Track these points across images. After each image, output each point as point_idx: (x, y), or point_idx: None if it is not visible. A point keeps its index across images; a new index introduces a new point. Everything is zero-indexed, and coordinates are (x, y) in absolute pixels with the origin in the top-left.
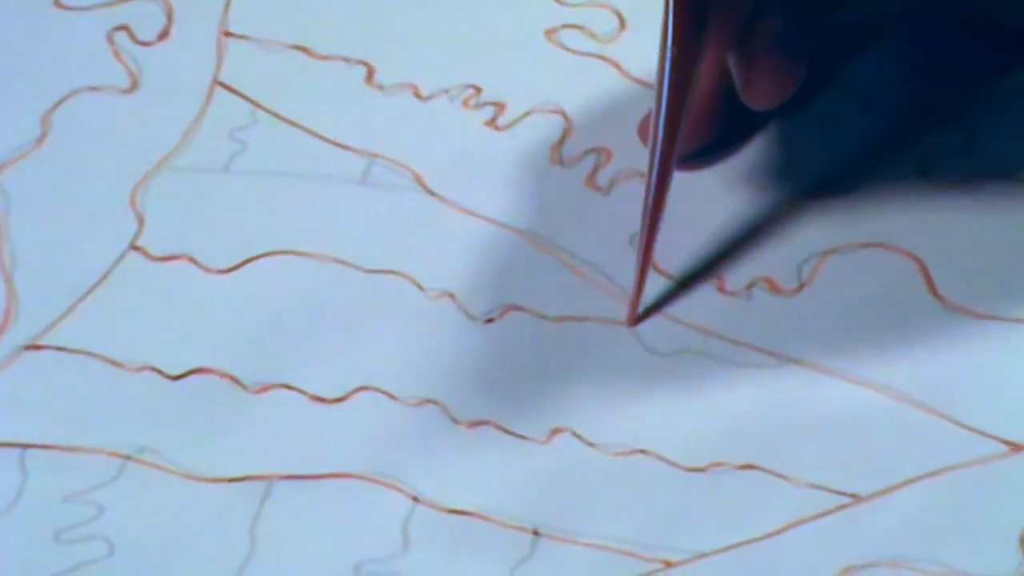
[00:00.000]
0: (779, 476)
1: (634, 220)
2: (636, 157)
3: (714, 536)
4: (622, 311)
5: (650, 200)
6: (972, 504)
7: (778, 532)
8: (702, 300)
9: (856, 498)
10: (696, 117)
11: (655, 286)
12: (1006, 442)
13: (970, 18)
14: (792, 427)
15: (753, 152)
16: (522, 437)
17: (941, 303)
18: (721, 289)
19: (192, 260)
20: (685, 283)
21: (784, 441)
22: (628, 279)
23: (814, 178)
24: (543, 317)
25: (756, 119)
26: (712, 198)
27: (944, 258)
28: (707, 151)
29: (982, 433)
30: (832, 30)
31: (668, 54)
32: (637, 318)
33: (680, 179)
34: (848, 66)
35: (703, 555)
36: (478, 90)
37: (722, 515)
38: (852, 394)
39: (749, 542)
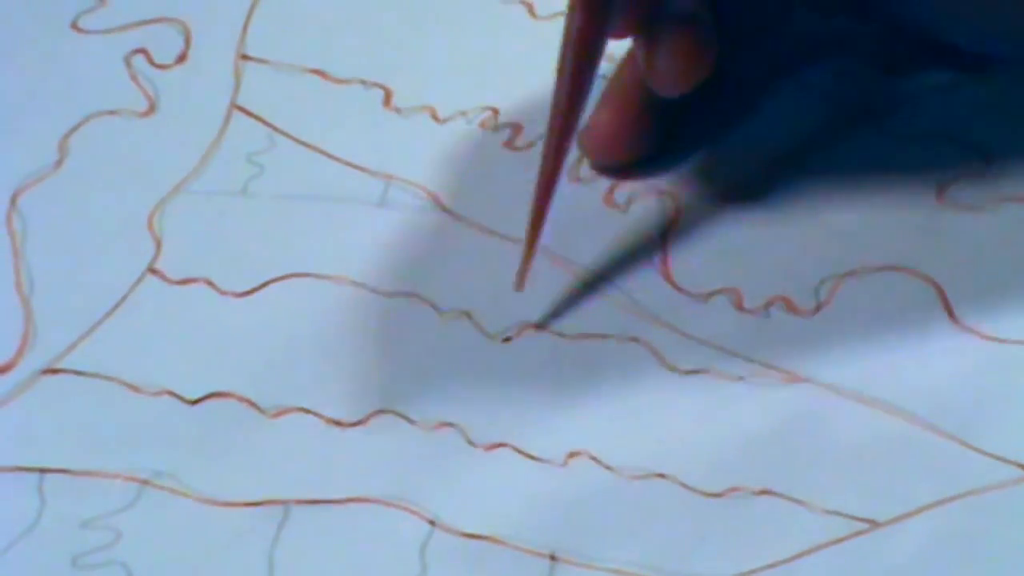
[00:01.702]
0: (796, 502)
1: (652, 237)
2: (654, 175)
3: (731, 562)
4: (641, 329)
5: (542, 188)
6: (989, 530)
7: (795, 558)
8: (719, 317)
9: (873, 524)
10: (625, 126)
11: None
12: (1023, 466)
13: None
14: (808, 451)
15: (768, 172)
16: (539, 460)
17: (958, 327)
18: (738, 307)
19: (209, 283)
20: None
21: (801, 465)
22: (647, 297)
23: (828, 200)
24: (561, 336)
25: (703, 132)
26: (728, 216)
27: (962, 282)
28: (646, 164)
29: (999, 458)
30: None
31: (572, 35)
32: (522, 283)
33: (698, 196)
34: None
35: None
36: (495, 112)
37: (739, 541)
38: (869, 418)
39: (766, 568)
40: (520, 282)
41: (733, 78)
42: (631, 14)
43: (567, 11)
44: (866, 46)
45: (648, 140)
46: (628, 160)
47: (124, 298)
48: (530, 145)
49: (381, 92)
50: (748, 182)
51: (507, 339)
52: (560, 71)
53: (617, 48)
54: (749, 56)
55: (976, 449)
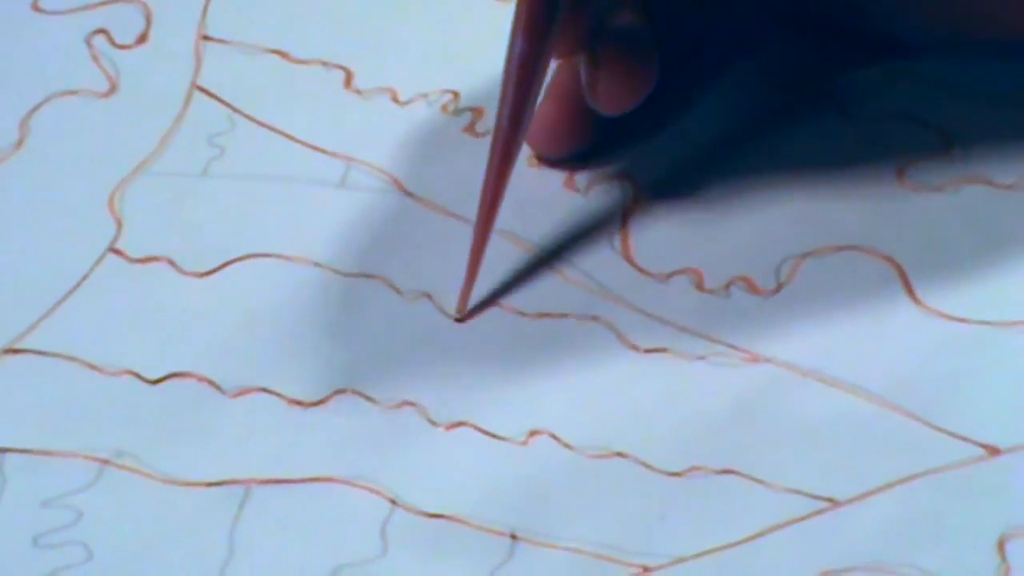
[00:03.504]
0: (757, 481)
1: (613, 219)
2: (613, 159)
3: (692, 541)
4: (602, 308)
5: (486, 204)
6: (950, 508)
7: (756, 537)
8: (680, 297)
9: (833, 503)
10: (567, 119)
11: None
12: (983, 446)
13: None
14: (770, 430)
15: (733, 155)
16: (500, 439)
17: (919, 306)
18: (699, 287)
19: (171, 263)
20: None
21: (762, 444)
22: (607, 277)
23: (789, 182)
24: (521, 315)
25: (649, 123)
26: (689, 199)
27: (922, 262)
28: (590, 154)
29: (960, 437)
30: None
31: (514, 59)
32: (467, 314)
33: (658, 179)
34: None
35: (681, 560)
36: (456, 95)
37: (700, 520)
38: (829, 397)
39: (727, 547)
40: (462, 307)
41: (679, 74)
42: (571, 35)
43: (509, 35)
44: (811, 38)
45: (590, 132)
46: (570, 152)
47: (85, 278)
48: (489, 131)
49: (342, 73)
50: (708, 165)
51: (459, 319)
52: (503, 94)
53: None
54: (693, 54)
55: (936, 428)
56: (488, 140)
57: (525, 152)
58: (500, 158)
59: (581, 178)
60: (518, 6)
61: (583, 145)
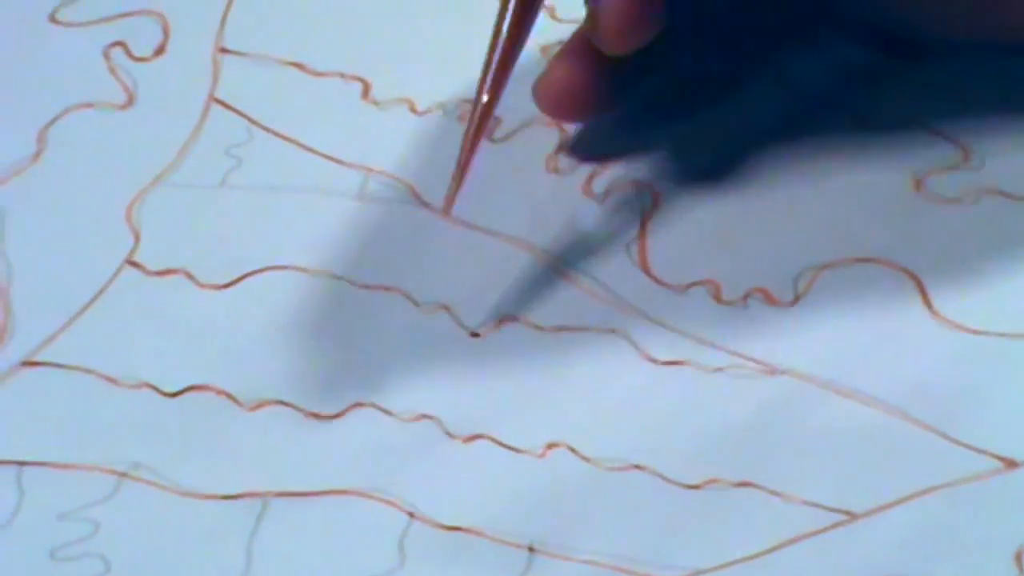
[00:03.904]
0: (774, 493)
1: (630, 228)
2: (632, 165)
3: (709, 553)
4: (619, 320)
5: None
6: (967, 521)
7: (773, 550)
8: (697, 309)
9: (850, 515)
10: (577, 83)
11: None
12: (1001, 458)
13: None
14: (787, 442)
15: (750, 165)
16: (518, 451)
17: (936, 318)
18: (717, 298)
19: (188, 276)
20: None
21: (779, 456)
22: (624, 288)
23: (805, 192)
24: (539, 328)
25: (656, 92)
26: (707, 208)
27: (940, 274)
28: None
29: (977, 449)
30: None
31: None
32: (450, 205)
33: (676, 188)
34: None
35: (698, 572)
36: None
37: (717, 532)
38: (847, 409)
39: (744, 559)
40: (448, 206)
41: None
42: None
43: None
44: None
45: (599, 98)
46: (578, 116)
47: (103, 290)
48: (508, 137)
49: (359, 85)
50: (726, 174)
51: (475, 334)
52: (496, 29)
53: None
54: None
55: (954, 440)
56: (507, 146)
57: (542, 159)
58: (491, 81)
59: (599, 185)
60: None
61: (595, 109)
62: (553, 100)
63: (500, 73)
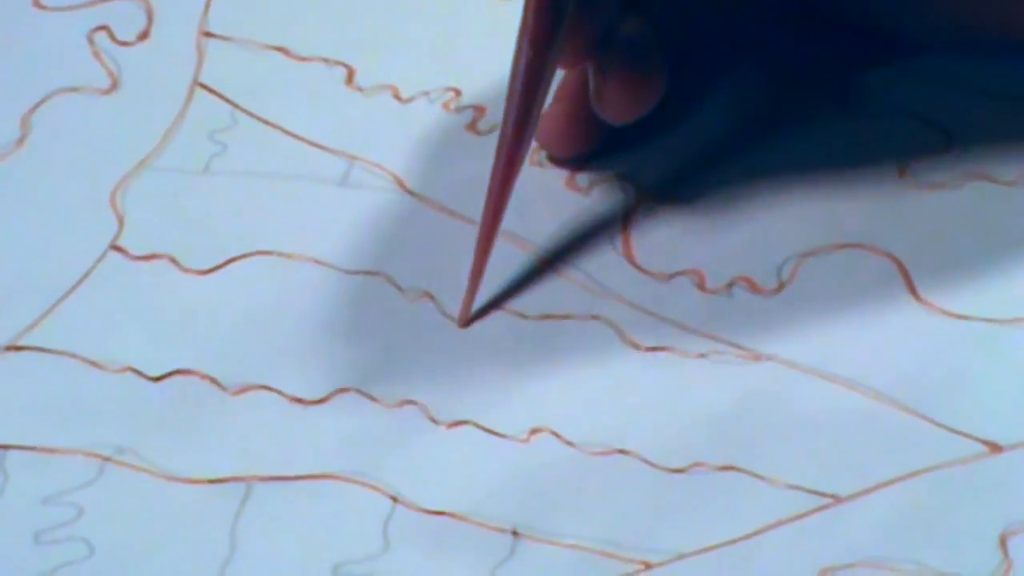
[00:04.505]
0: (758, 477)
1: (614, 220)
2: (615, 159)
3: (694, 537)
4: (604, 308)
5: (490, 211)
6: (951, 505)
7: (757, 533)
8: (682, 297)
9: (835, 499)
10: (576, 122)
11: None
12: (985, 442)
13: (837, 21)
14: (772, 427)
15: (735, 154)
16: (502, 436)
17: (920, 303)
18: (701, 287)
19: (172, 260)
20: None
21: (764, 441)
22: (608, 277)
23: (790, 180)
24: (523, 316)
25: (656, 125)
26: (690, 198)
27: (924, 259)
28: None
29: (961, 433)
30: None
31: (522, 57)
32: (469, 320)
33: (659, 179)
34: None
35: (683, 556)
36: (458, 93)
37: (702, 516)
38: (832, 394)
39: (729, 543)
40: (464, 318)
41: (686, 79)
42: (578, 43)
43: (516, 43)
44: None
45: (598, 134)
46: (578, 153)
47: (87, 275)
48: (492, 129)
49: (344, 70)
50: (710, 164)
51: (462, 327)
52: (509, 102)
53: None
54: (700, 58)
55: (938, 425)
56: (490, 138)
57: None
58: (505, 166)
59: (583, 178)
60: (524, 14)
61: (591, 146)
62: (552, 141)
63: (503, 191)
